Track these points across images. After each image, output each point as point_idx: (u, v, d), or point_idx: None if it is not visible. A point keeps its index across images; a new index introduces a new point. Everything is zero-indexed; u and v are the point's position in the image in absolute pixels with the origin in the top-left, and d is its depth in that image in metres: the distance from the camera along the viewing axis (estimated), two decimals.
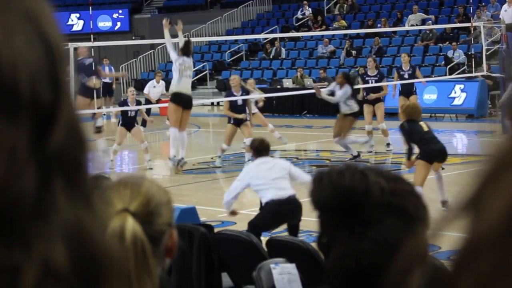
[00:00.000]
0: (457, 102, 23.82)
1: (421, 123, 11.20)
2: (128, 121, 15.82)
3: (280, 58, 31.68)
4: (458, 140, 19.81)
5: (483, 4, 28.87)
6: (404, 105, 11.93)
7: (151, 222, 1.88)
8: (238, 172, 14.68)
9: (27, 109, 0.65)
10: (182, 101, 14.89)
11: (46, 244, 0.66)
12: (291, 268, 5.64)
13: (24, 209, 0.65)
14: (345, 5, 34.86)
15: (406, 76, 18.65)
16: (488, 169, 0.59)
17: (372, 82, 17.41)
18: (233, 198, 9.04)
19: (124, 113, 15.97)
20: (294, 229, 8.86)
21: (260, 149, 9.00)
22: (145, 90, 24.40)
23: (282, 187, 8.72)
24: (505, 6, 20.98)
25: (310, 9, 34.80)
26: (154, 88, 24.30)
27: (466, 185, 0.60)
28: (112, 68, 30.39)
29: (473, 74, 22.30)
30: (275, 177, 8.73)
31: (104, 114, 27.76)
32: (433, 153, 11.01)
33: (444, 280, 0.60)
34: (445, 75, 24.72)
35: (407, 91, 18.49)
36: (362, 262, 1.67)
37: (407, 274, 0.64)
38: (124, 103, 16.13)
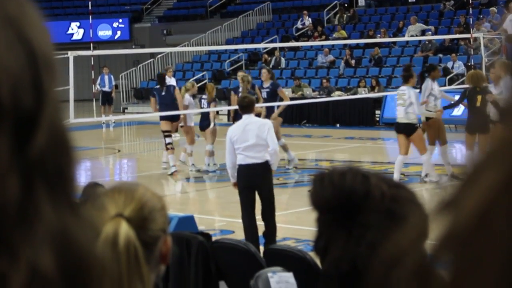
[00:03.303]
0: (457, 112, 23.82)
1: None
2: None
3: (279, 67, 31.69)
4: (457, 151, 19.80)
5: (482, 16, 28.91)
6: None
7: (145, 228, 1.88)
8: None
9: (7, 116, 0.64)
10: None
11: (33, 250, 0.65)
12: (289, 277, 5.63)
13: (8, 216, 0.64)
14: (345, 15, 34.91)
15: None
16: (468, 171, 0.61)
17: (264, 95, 15.87)
18: (231, 163, 9.48)
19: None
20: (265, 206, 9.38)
21: (242, 105, 9.51)
22: None
23: (253, 155, 9.27)
24: (510, 16, 20.91)
25: (310, 19, 34.86)
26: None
27: (449, 186, 0.62)
28: (112, 77, 30.40)
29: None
30: (252, 144, 9.27)
31: (103, 123, 27.84)
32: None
33: (423, 276, 0.63)
34: (444, 85, 24.73)
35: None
36: (357, 266, 1.66)
37: (389, 273, 0.65)
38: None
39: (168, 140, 15.96)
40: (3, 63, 0.65)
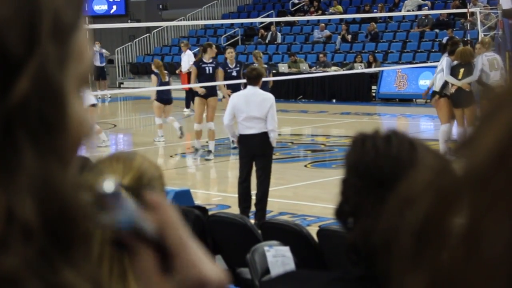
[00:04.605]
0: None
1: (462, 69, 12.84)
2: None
3: (276, 42, 31.61)
4: (453, 125, 19.80)
5: None
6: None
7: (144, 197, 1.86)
8: (233, 156, 14.74)
9: None
10: None
11: (11, 196, 0.64)
12: (285, 251, 5.64)
13: None
14: None
15: (234, 74, 15.47)
16: (485, 110, 0.59)
17: (210, 70, 15.29)
18: (230, 121, 9.76)
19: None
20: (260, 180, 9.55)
21: (250, 76, 9.73)
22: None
23: (252, 126, 9.52)
24: None
25: None
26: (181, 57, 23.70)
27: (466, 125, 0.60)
28: (104, 51, 30.28)
29: None
30: (252, 115, 9.50)
31: (99, 98, 27.78)
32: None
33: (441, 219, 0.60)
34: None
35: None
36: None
37: (401, 216, 0.61)
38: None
39: None
40: None
